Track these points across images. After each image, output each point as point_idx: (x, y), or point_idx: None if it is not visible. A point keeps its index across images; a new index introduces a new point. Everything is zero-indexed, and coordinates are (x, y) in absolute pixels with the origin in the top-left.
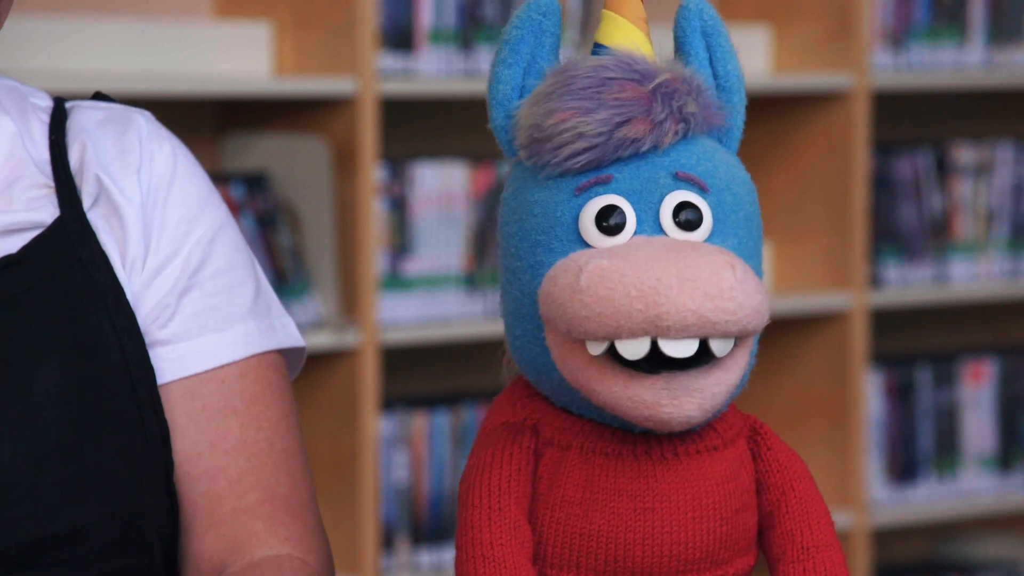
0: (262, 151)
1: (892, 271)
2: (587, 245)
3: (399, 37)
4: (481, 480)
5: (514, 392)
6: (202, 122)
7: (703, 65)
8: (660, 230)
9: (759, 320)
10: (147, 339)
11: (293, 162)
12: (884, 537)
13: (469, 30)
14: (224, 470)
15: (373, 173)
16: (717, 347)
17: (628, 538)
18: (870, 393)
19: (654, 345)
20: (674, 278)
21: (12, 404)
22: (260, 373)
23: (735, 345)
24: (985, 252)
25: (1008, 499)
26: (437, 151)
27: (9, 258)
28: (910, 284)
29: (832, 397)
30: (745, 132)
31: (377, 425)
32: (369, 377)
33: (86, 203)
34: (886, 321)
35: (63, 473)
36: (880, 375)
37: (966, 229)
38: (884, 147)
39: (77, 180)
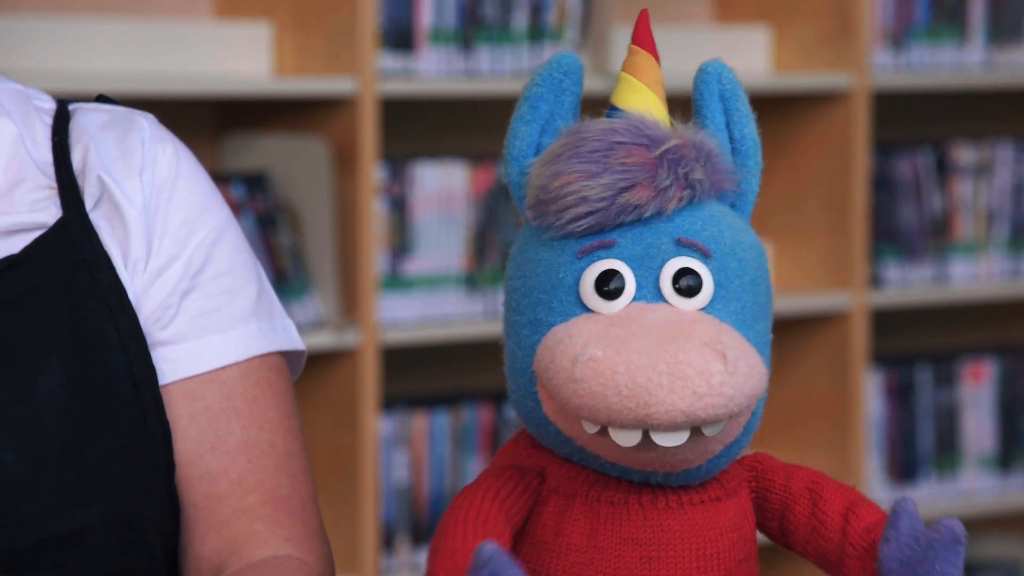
0: (262, 151)
1: (892, 271)
2: (587, 308)
3: (399, 37)
4: (472, 491)
5: (519, 443)
6: (202, 122)
7: (719, 128)
8: (660, 296)
9: (751, 401)
10: (149, 340)
11: (293, 162)
12: None
13: (469, 30)
14: (225, 471)
15: (373, 173)
16: (708, 430)
17: None
18: (870, 393)
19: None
20: (665, 376)
21: (14, 405)
22: (262, 374)
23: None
24: (985, 252)
25: (1008, 499)
26: (437, 151)
27: (11, 259)
28: (910, 284)
29: (832, 397)
30: None
31: (377, 425)
32: (369, 377)
33: (88, 204)
34: (886, 321)
35: (65, 474)
36: (880, 375)
37: (966, 229)
38: (884, 147)
39: (80, 181)
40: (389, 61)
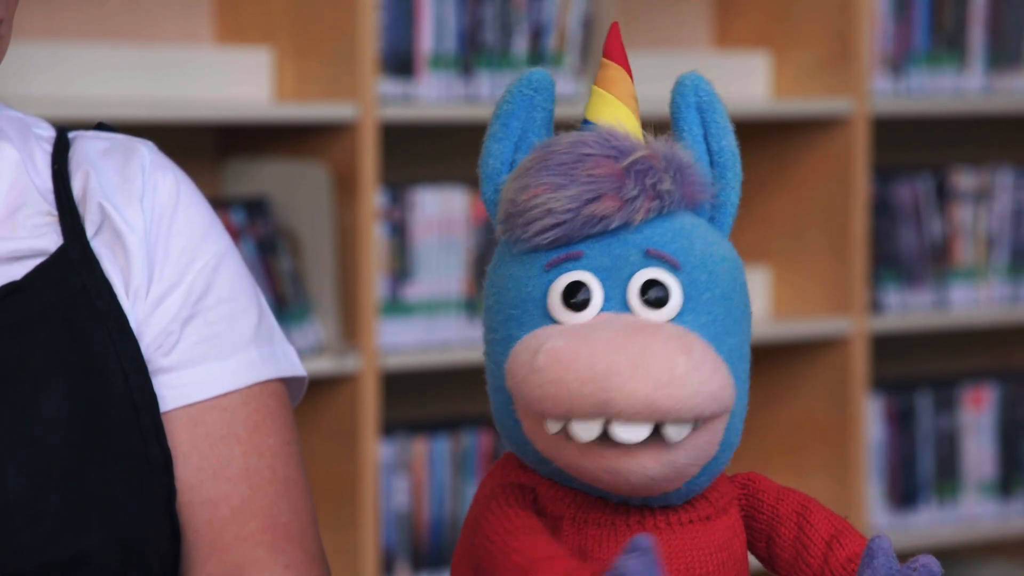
0: (263, 176)
1: (892, 296)
2: (555, 321)
3: (399, 63)
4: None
5: (506, 465)
6: (203, 148)
7: (697, 141)
8: (627, 308)
9: (716, 405)
10: (150, 367)
11: (293, 187)
12: None
13: (469, 55)
14: (227, 498)
15: (373, 198)
16: (672, 432)
17: None
18: (870, 418)
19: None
20: (627, 363)
21: (16, 429)
22: (262, 401)
23: (696, 427)
24: (985, 277)
25: (1009, 524)
26: (437, 176)
27: (13, 285)
28: (910, 309)
29: (832, 422)
30: (745, 157)
31: (377, 450)
32: (369, 402)
33: (89, 231)
34: (886, 346)
35: (66, 499)
36: (880, 400)
37: (966, 254)
38: (884, 172)
39: (80, 209)
40: (389, 86)
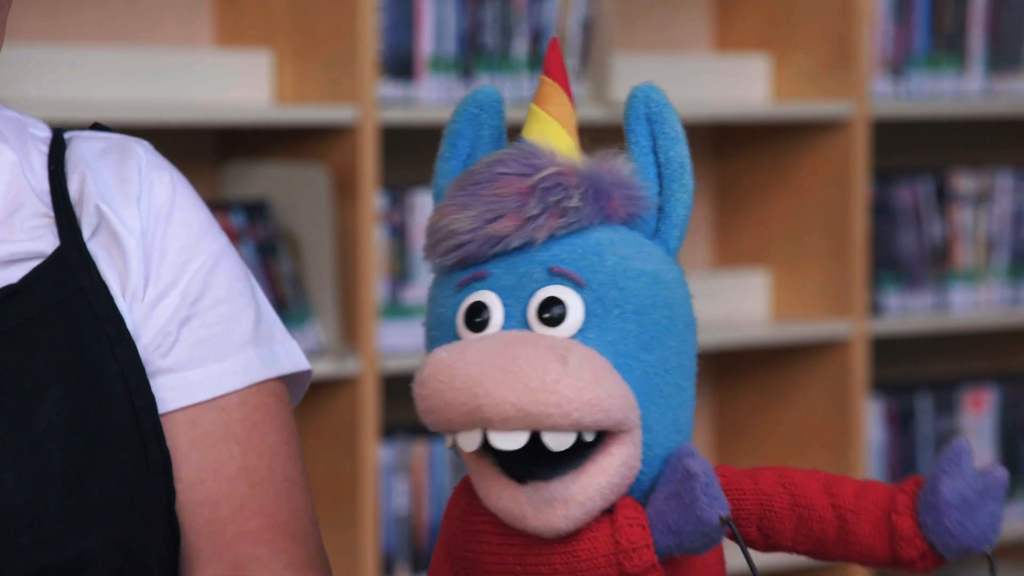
0: (263, 179)
1: (892, 299)
2: None
3: (399, 65)
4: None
5: (469, 483)
6: (203, 150)
7: (644, 152)
8: (527, 326)
9: (598, 414)
10: (149, 368)
11: (293, 190)
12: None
13: (469, 58)
14: (227, 497)
15: (373, 201)
16: (551, 441)
17: None
18: (870, 421)
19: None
20: (499, 371)
21: (16, 433)
22: (260, 400)
23: (604, 442)
24: (985, 280)
25: (1009, 528)
26: None
27: (11, 288)
28: (910, 312)
29: (832, 425)
30: (745, 160)
31: (377, 453)
32: (369, 404)
33: (86, 233)
34: (886, 349)
35: (66, 502)
36: (880, 403)
37: (966, 257)
38: (884, 175)
39: (77, 210)
40: (389, 89)
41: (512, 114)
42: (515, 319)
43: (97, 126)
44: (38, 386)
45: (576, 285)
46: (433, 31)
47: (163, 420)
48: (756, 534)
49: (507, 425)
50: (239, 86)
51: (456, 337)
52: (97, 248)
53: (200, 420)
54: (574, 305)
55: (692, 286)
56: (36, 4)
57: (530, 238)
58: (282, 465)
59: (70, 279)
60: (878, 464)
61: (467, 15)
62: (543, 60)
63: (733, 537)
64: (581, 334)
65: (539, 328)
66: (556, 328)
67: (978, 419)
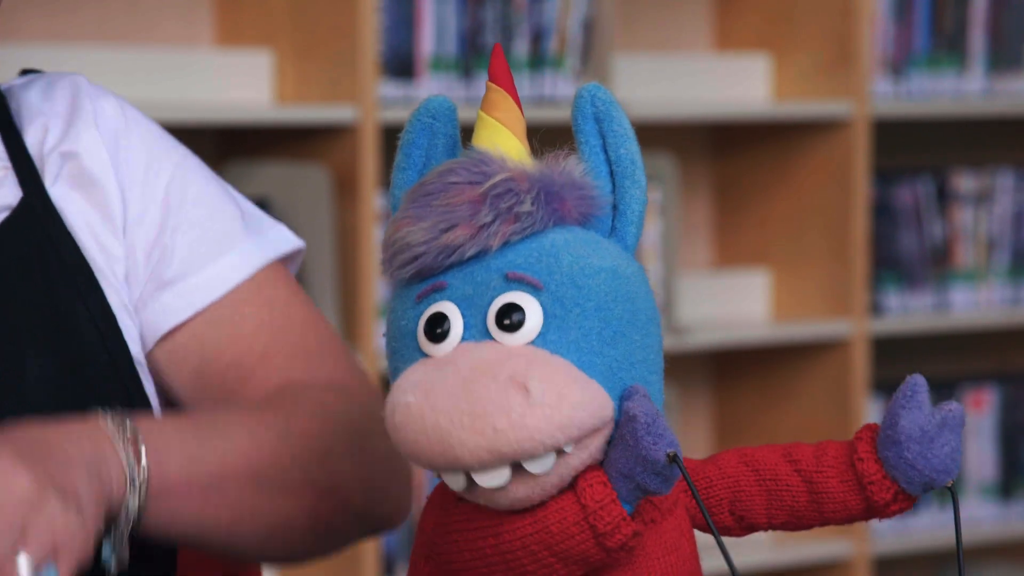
0: (263, 179)
1: (893, 299)
2: (425, 354)
3: (400, 65)
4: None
5: (444, 493)
6: (203, 150)
7: (595, 151)
8: (488, 334)
9: (571, 432)
10: (154, 284)
11: (294, 190)
12: (886, 566)
13: (470, 58)
14: (249, 350)
15: (374, 201)
16: (533, 467)
17: None
18: (871, 421)
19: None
20: (466, 416)
21: (6, 392)
22: (268, 281)
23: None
24: (985, 280)
25: (1009, 527)
26: None
27: None
28: (911, 312)
29: (833, 425)
30: (746, 160)
31: None
32: None
33: (48, 181)
34: (887, 349)
35: None
36: (881, 403)
37: (966, 257)
38: (884, 175)
39: (37, 161)
40: (390, 89)
41: None
42: (475, 328)
43: (26, 71)
44: (22, 342)
45: (533, 289)
46: (434, 31)
47: (182, 329)
48: (729, 519)
49: (485, 467)
50: (239, 86)
51: (418, 348)
52: (66, 191)
53: (215, 318)
54: (532, 310)
55: (692, 286)
56: (36, 4)
57: (484, 246)
58: (299, 310)
59: (38, 227)
60: None
61: (468, 15)
62: (488, 66)
63: (704, 521)
64: (542, 337)
65: (499, 335)
66: (516, 333)
67: (979, 419)
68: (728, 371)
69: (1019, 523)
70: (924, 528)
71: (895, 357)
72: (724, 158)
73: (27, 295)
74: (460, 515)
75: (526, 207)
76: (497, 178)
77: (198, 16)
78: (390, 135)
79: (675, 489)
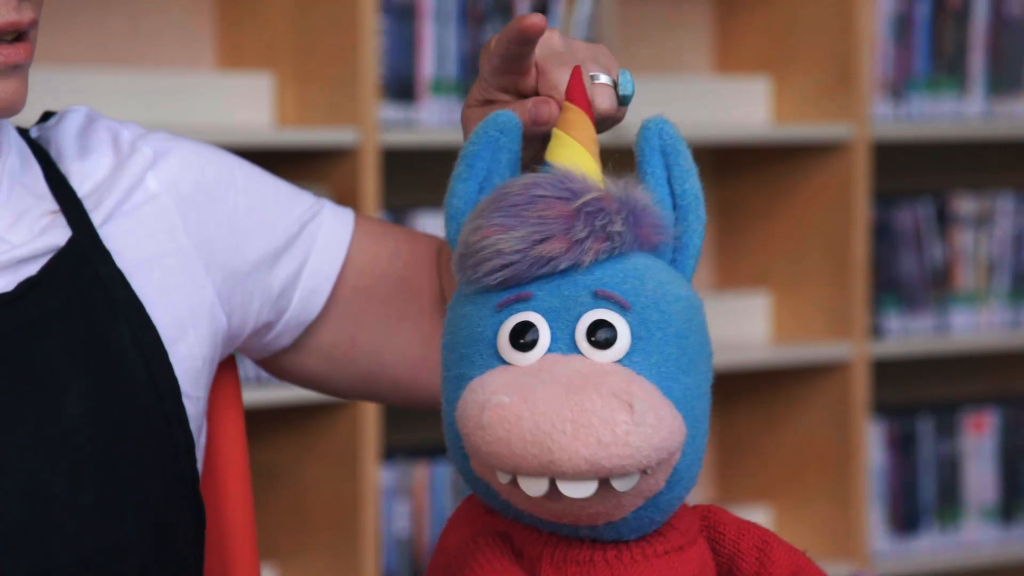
0: None
1: (893, 321)
2: (505, 361)
3: (400, 88)
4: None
5: (470, 511)
6: None
7: (660, 183)
8: (575, 348)
9: (662, 455)
10: (298, 269)
11: None
12: None
13: (470, 80)
14: (400, 266)
15: None
16: (618, 484)
17: None
18: (871, 443)
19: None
20: (569, 423)
21: (46, 425)
22: (357, 241)
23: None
24: (986, 302)
25: (1010, 550)
26: (438, 201)
27: (30, 280)
28: (911, 334)
29: (833, 447)
30: (746, 182)
31: (378, 475)
32: (370, 427)
33: (97, 220)
34: (887, 371)
35: (102, 491)
36: (881, 425)
37: (967, 279)
38: (885, 197)
39: (85, 202)
40: (390, 111)
41: None
42: (561, 341)
43: (48, 115)
44: (64, 377)
45: (621, 308)
46: (434, 54)
47: (328, 303)
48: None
49: (579, 477)
50: (240, 109)
51: (495, 357)
52: (118, 229)
53: (339, 289)
54: (622, 329)
55: None
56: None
57: (577, 260)
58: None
59: (86, 267)
60: (879, 486)
61: (468, 38)
62: (567, 89)
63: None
64: (628, 357)
65: (588, 351)
66: (605, 351)
67: (979, 442)
68: (729, 393)
69: (1020, 546)
70: (924, 551)
71: (896, 379)
72: (724, 181)
73: (73, 332)
74: (504, 570)
75: (617, 227)
76: (589, 196)
77: (199, 39)
78: (390, 157)
79: (696, 520)
